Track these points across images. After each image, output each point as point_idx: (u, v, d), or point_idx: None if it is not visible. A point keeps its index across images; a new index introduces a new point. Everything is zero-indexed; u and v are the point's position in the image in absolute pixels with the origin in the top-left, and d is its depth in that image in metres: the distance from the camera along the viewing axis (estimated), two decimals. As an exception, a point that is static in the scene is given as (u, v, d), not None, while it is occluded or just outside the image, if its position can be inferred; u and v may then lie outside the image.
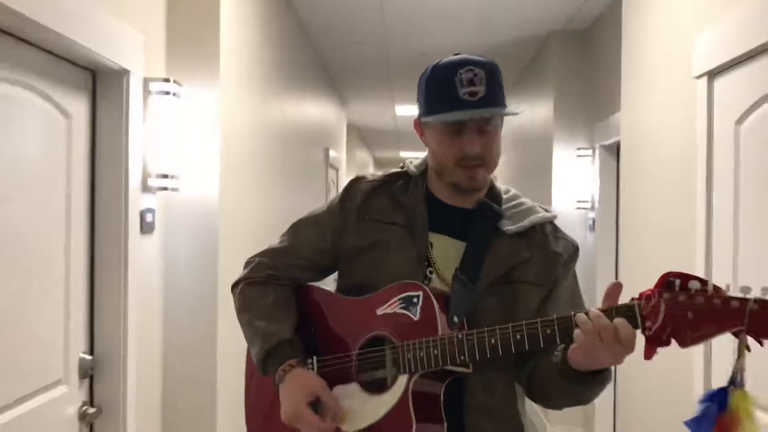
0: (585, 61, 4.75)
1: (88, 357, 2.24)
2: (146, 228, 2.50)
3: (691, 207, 2.43)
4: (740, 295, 1.09)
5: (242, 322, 1.56)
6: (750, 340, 1.09)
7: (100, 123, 2.30)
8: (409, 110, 8.12)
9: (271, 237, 1.70)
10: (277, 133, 4.10)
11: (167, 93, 2.51)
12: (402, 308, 1.39)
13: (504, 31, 4.86)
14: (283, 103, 4.26)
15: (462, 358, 1.30)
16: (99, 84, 2.30)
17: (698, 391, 2.27)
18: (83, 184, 2.23)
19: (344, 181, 7.80)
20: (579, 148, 4.64)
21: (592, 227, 4.54)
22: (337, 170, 7.37)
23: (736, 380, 1.10)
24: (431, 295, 1.36)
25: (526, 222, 1.48)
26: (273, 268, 1.57)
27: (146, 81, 2.46)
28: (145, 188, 2.48)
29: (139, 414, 2.43)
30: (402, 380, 1.36)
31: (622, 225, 3.26)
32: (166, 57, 2.71)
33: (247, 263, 1.62)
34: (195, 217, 2.74)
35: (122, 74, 2.30)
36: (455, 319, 1.37)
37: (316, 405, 1.40)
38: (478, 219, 1.48)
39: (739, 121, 2.12)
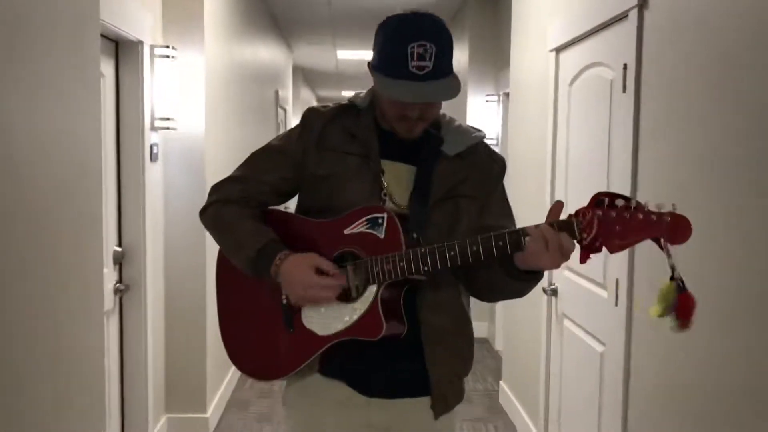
0: (494, 22, 5.69)
1: (119, 249, 3.16)
2: (153, 157, 3.39)
3: (543, 143, 3.46)
4: (656, 209, 1.33)
5: (222, 234, 1.67)
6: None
7: (122, 80, 3.16)
8: (349, 54, 8.94)
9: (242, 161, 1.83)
10: (241, 79, 4.96)
11: (167, 57, 3.37)
12: (368, 228, 1.52)
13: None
14: (244, 52, 5.10)
15: (426, 268, 1.47)
16: (121, 52, 3.15)
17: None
18: (113, 124, 3.10)
19: (292, 119, 8.64)
20: (487, 95, 5.64)
21: (497, 159, 5.58)
22: (285, 110, 8.18)
23: (673, 275, 1.35)
24: (394, 216, 1.51)
25: (464, 144, 1.65)
26: (242, 190, 1.68)
27: (152, 48, 3.31)
28: (153, 128, 3.36)
29: (150, 290, 3.38)
30: (372, 289, 1.53)
31: (509, 156, 4.28)
32: (163, 27, 3.55)
33: (214, 189, 1.73)
34: (187, 148, 3.64)
35: (137, 44, 3.16)
36: (414, 235, 1.54)
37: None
38: (424, 146, 1.63)
39: (571, 83, 3.13)
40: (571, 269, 3.08)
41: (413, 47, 1.45)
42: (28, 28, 1.64)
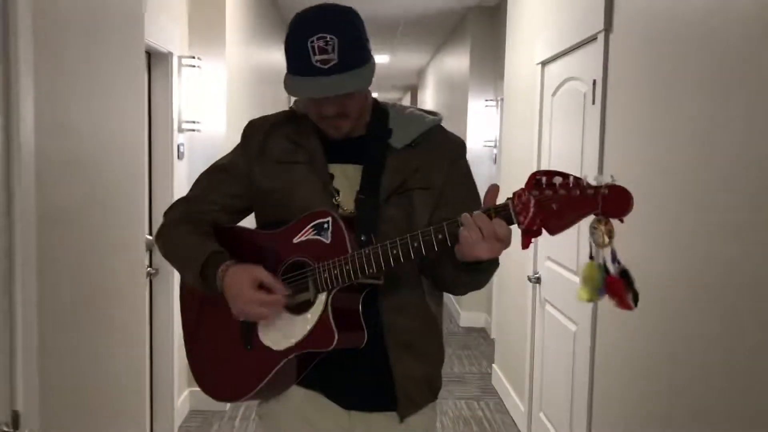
0: (493, 32, 6.06)
1: (149, 237, 3.56)
2: (180, 156, 3.78)
3: (531, 146, 3.83)
4: (594, 183, 1.23)
5: (171, 257, 1.63)
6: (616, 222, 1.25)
7: (154, 87, 3.55)
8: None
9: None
10: (258, 82, 5.35)
11: (193, 66, 3.76)
12: (315, 234, 1.47)
13: (428, 6, 6.11)
14: (259, 57, 5.49)
15: (371, 270, 1.39)
16: (153, 62, 3.54)
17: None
18: (145, 126, 3.50)
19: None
20: (487, 100, 6.01)
21: (495, 161, 5.95)
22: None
23: (615, 258, 1.29)
24: (338, 218, 1.45)
25: (414, 133, 1.56)
26: (191, 210, 1.64)
27: (179, 58, 3.70)
28: (180, 129, 3.75)
29: (176, 273, 3.76)
30: (321, 298, 1.46)
31: (502, 157, 4.65)
32: (189, 37, 3.94)
33: (165, 213, 1.69)
34: (209, 148, 4.03)
35: (167, 55, 3.55)
36: (363, 237, 1.48)
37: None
38: (370, 142, 1.56)
39: (554, 93, 3.50)
40: (551, 258, 3.45)
41: (313, 41, 1.39)
42: (92, 49, 2.02)
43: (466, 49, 6.37)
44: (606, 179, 1.23)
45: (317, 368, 1.53)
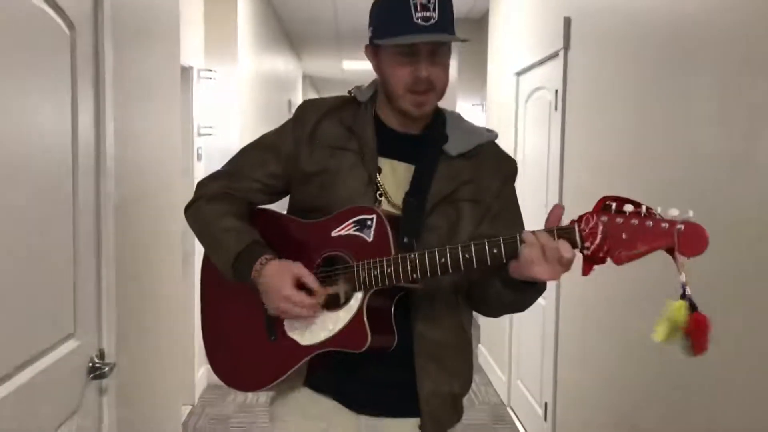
0: (480, 40, 6.56)
1: (174, 228, 4.05)
2: (199, 157, 4.28)
3: (509, 146, 4.34)
4: (669, 216, 1.17)
5: (204, 233, 1.56)
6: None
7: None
8: (354, 65, 9.82)
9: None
10: (266, 88, 5.86)
11: (209, 78, 4.26)
12: (356, 230, 1.41)
13: (423, 15, 6.61)
14: (266, 66, 5.99)
15: (414, 276, 1.34)
16: (176, 75, 4.04)
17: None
18: (179, 132, 4.00)
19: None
20: (473, 104, 6.52)
21: (481, 160, 6.48)
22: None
23: (684, 293, 1.18)
24: (384, 217, 1.39)
25: (470, 144, 1.52)
26: (228, 187, 1.58)
27: (198, 71, 4.20)
28: (198, 134, 4.25)
29: (197, 261, 4.29)
30: (357, 296, 1.39)
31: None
32: (205, 50, 4.44)
33: (199, 186, 1.63)
34: (223, 150, 4.53)
35: (189, 69, 4.04)
36: (405, 239, 1.41)
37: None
38: (425, 143, 1.51)
39: (526, 100, 4.00)
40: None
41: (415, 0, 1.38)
42: (146, 70, 2.52)
43: (454, 56, 6.86)
44: (684, 215, 1.17)
45: (335, 371, 1.49)
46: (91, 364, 1.93)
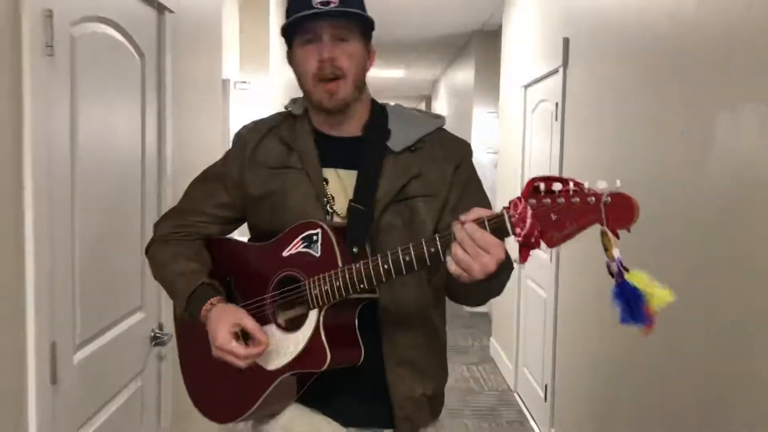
0: (495, 51, 6.92)
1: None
2: (233, 160, 4.71)
3: (518, 152, 4.70)
4: (598, 190, 1.10)
5: (161, 280, 1.56)
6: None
7: (215, 105, 4.48)
8: (378, 72, 10.22)
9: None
10: (294, 94, 6.27)
11: (244, 88, 4.69)
12: (305, 247, 1.39)
13: (441, 28, 7.00)
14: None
15: (362, 285, 1.30)
16: (215, 85, 4.47)
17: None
18: (220, 139, 4.43)
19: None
20: (489, 111, 6.89)
21: (495, 167, 6.82)
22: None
23: (618, 270, 1.13)
24: (328, 229, 1.36)
25: (413, 135, 1.47)
26: (179, 226, 1.57)
27: (234, 83, 4.62)
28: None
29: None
30: (313, 315, 1.37)
31: (500, 163, 5.53)
32: (240, 62, 4.87)
33: (155, 227, 1.62)
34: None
35: (227, 81, 4.47)
36: (354, 249, 1.38)
37: (246, 338, 1.39)
38: (366, 144, 1.47)
39: (533, 110, 4.37)
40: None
41: None
42: (196, 86, 2.93)
43: (471, 66, 7.25)
44: (611, 186, 1.12)
45: (316, 383, 1.45)
46: (152, 334, 2.34)
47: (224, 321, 1.38)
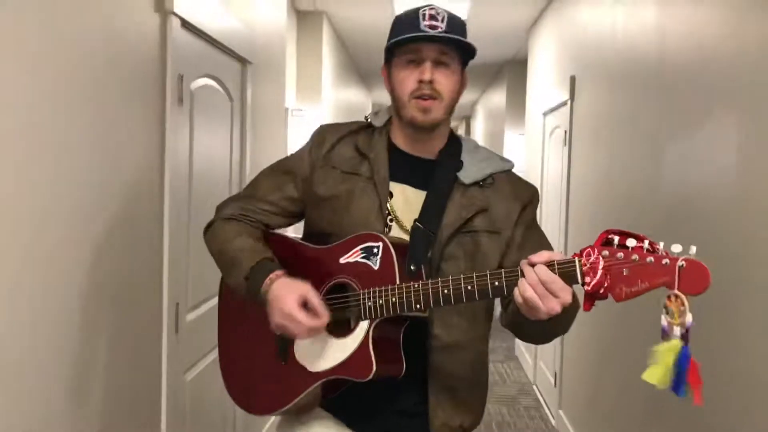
0: (524, 79, 7.58)
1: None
2: (289, 176, 5.45)
3: (538, 171, 5.35)
4: (671, 252, 1.13)
5: (219, 252, 1.55)
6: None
7: (275, 129, 5.23)
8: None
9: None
10: (342, 119, 6.99)
11: (300, 115, 5.43)
12: (363, 258, 1.41)
13: (478, 58, 7.65)
14: (342, 99, 7.15)
15: (418, 306, 1.33)
16: (275, 112, 5.23)
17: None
18: (269, 156, 5.18)
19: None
20: (519, 133, 7.53)
21: (524, 182, 7.47)
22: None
23: (686, 336, 1.14)
24: (390, 245, 1.38)
25: (484, 172, 1.50)
26: (245, 209, 1.59)
27: (291, 110, 5.37)
28: (290, 158, 5.42)
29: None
30: (363, 325, 1.38)
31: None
32: (296, 94, 5.62)
33: (217, 209, 1.64)
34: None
35: (285, 110, 5.22)
36: (412, 267, 1.39)
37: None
38: (439, 169, 1.50)
39: (550, 135, 5.01)
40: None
41: (425, 10, 1.44)
42: (264, 116, 3.65)
43: (503, 91, 7.91)
44: (686, 251, 1.13)
45: (348, 395, 1.46)
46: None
47: (293, 291, 1.39)
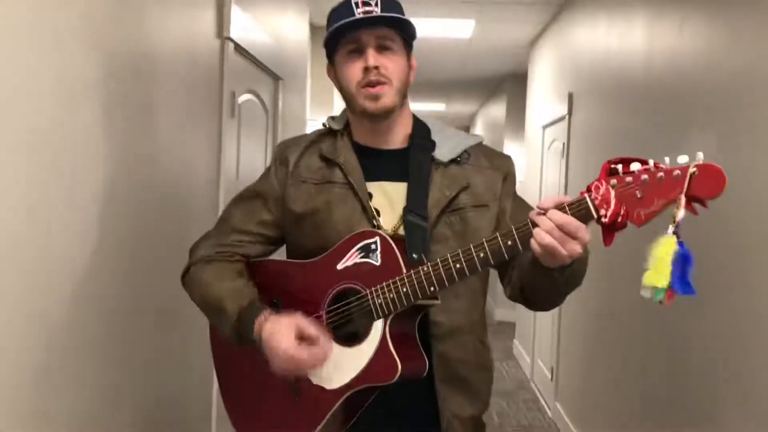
0: (524, 93, 7.96)
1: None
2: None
3: (537, 181, 5.71)
4: (679, 163, 1.11)
5: (204, 302, 1.49)
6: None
7: (292, 138, 5.60)
8: (421, 107, 11.32)
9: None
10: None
11: (314, 124, 5.78)
12: (362, 257, 1.37)
13: (479, 71, 8.05)
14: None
15: (432, 289, 1.30)
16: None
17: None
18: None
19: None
20: (519, 145, 7.89)
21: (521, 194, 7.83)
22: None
23: (677, 232, 1.12)
24: (388, 237, 1.35)
25: (458, 147, 1.49)
26: (220, 246, 1.52)
27: (306, 120, 5.73)
28: (304, 165, 5.77)
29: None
30: (378, 326, 1.34)
31: (523, 189, 6.52)
32: (310, 105, 5.98)
33: (191, 250, 1.56)
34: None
35: (304, 120, 5.58)
36: (414, 255, 1.36)
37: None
38: (414, 154, 1.47)
39: (549, 147, 5.37)
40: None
41: (357, 1, 1.41)
42: (292, 123, 4.00)
43: (503, 104, 8.28)
44: (693, 159, 1.11)
45: (368, 409, 1.41)
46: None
47: (284, 331, 1.34)
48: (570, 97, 4.54)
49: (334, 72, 1.51)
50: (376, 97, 1.42)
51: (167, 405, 2.19)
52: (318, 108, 6.02)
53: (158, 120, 2.00)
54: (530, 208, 1.37)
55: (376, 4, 1.41)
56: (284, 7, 3.72)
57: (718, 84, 2.38)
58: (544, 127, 5.53)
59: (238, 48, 2.67)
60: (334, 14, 1.45)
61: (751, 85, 2.12)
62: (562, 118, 4.79)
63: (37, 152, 1.42)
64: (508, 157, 1.58)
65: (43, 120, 1.44)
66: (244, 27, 2.69)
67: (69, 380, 1.58)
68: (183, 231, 2.21)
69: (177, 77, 2.12)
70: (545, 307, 1.54)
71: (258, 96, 3.12)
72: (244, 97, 2.86)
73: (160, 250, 2.05)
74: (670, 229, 1.13)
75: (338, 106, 6.29)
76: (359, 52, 1.43)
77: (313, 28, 6.02)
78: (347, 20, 1.40)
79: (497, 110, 9.00)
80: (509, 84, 8.07)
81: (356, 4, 1.41)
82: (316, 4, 4.75)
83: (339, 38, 1.44)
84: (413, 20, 1.46)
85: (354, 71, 1.43)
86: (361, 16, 1.40)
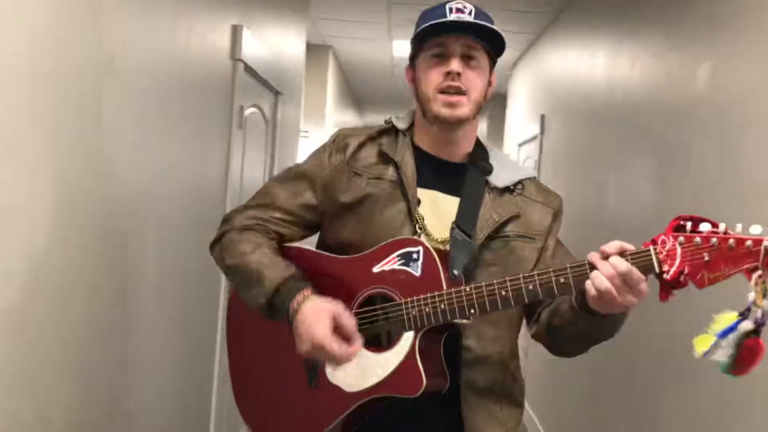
0: (503, 112, 8.40)
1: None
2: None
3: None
4: (751, 234, 1.09)
5: (235, 267, 1.43)
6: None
7: (284, 148, 5.96)
8: (406, 119, 11.75)
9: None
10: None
11: (305, 136, 6.17)
12: (401, 264, 1.33)
13: (462, 89, 8.46)
14: (340, 123, 7.89)
15: (472, 311, 1.27)
16: (285, 133, 5.97)
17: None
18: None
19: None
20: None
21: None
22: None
23: (757, 318, 1.08)
24: (432, 250, 1.32)
25: (514, 176, 1.47)
26: (258, 218, 1.48)
27: (299, 132, 6.10)
28: (295, 173, 6.14)
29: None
30: (408, 336, 1.31)
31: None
32: (303, 117, 6.36)
33: (225, 219, 1.53)
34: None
35: (297, 131, 5.96)
36: (455, 272, 1.33)
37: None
38: (471, 172, 1.45)
39: (523, 164, 5.77)
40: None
41: (452, 5, 1.40)
42: (287, 134, 4.36)
43: (484, 121, 8.71)
44: (760, 230, 1.09)
45: (388, 416, 1.38)
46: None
47: (323, 316, 1.30)
48: (542, 118, 4.95)
49: (412, 74, 1.51)
50: (452, 105, 1.41)
51: (167, 405, 2.28)
52: (309, 120, 6.42)
53: (180, 131, 2.36)
54: (569, 253, 1.46)
55: (470, 13, 1.41)
56: (285, 26, 4.10)
57: (658, 111, 2.79)
58: (520, 145, 5.94)
59: (247, 67, 3.04)
60: (427, 15, 1.45)
61: (690, 113, 2.53)
62: (534, 138, 5.19)
63: (66, 161, 1.50)
64: (560, 197, 1.56)
65: (73, 125, 1.53)
66: (252, 48, 3.06)
67: (64, 379, 1.56)
68: (191, 233, 2.39)
69: (195, 94, 2.48)
70: (571, 352, 1.50)
71: (260, 109, 3.49)
72: (249, 111, 3.22)
73: (176, 251, 2.31)
74: (758, 314, 1.11)
75: (330, 120, 6.67)
76: (443, 57, 1.42)
77: (309, 46, 6.42)
78: (439, 20, 1.39)
79: (479, 127, 9.43)
80: (491, 103, 8.50)
81: (450, 9, 1.40)
82: (312, 23, 5.14)
83: (426, 39, 1.44)
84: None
85: (435, 75, 1.42)
86: (455, 19, 1.39)
